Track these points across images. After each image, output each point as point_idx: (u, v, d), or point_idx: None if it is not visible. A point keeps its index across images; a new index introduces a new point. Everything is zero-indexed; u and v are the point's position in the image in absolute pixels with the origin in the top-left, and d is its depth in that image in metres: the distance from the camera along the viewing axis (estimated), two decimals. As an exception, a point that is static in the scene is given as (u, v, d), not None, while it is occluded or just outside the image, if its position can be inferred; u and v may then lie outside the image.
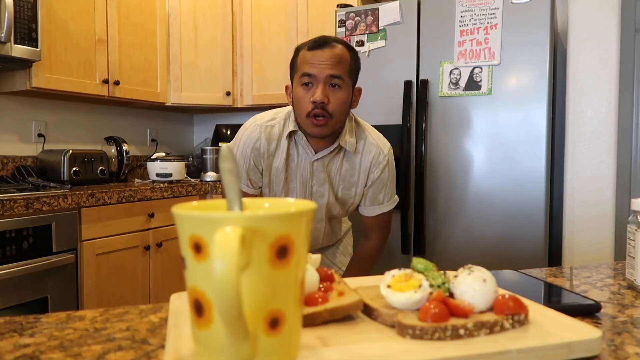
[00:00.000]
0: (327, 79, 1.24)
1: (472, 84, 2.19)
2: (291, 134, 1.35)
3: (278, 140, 1.35)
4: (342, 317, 0.52)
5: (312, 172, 1.38)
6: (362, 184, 1.41)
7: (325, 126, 1.26)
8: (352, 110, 1.39)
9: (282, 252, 0.38)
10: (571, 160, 2.27)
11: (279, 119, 1.37)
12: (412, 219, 2.31)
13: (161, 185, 2.52)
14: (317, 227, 1.48)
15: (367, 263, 1.50)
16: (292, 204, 0.46)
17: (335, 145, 1.34)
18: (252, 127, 1.37)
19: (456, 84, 2.22)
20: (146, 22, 2.80)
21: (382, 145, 1.40)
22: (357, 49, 2.40)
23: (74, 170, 2.40)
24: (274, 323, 0.39)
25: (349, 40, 2.35)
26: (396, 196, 1.49)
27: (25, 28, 2.07)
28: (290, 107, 1.37)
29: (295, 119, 1.33)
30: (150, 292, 2.37)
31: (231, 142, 1.42)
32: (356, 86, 1.34)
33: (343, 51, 1.28)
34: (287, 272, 0.39)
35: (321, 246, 1.59)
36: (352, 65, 1.29)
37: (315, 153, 1.35)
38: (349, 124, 1.36)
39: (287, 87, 1.37)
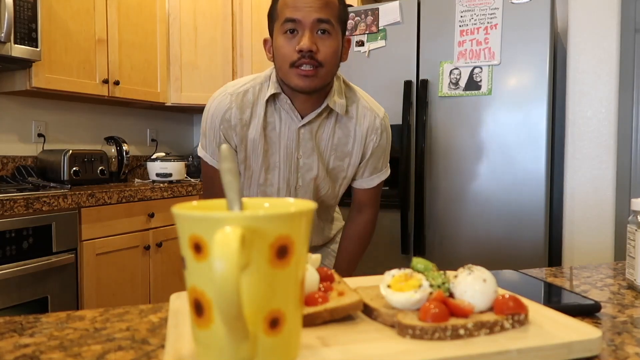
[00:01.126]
0: (315, 23, 1.05)
1: (472, 84, 2.19)
2: (271, 98, 1.15)
3: (253, 107, 1.17)
4: (342, 317, 0.52)
5: (298, 141, 1.19)
6: (357, 154, 1.24)
7: (314, 77, 1.07)
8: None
9: (282, 252, 0.38)
10: (571, 160, 2.27)
11: (254, 82, 1.18)
12: (412, 219, 2.31)
13: (161, 185, 2.52)
14: None
15: (367, 240, 1.36)
16: (292, 204, 0.46)
17: (323, 106, 1.15)
18: (221, 96, 1.18)
19: (456, 84, 2.22)
20: (146, 22, 2.80)
21: (376, 110, 1.24)
22: (357, 49, 2.40)
23: (74, 170, 2.40)
24: (274, 323, 0.39)
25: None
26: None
27: (25, 28, 2.07)
28: (268, 71, 1.19)
29: (277, 79, 1.14)
30: (150, 292, 2.37)
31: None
32: (345, 36, 1.16)
33: None
34: (287, 272, 0.39)
35: (310, 245, 1.38)
36: (340, 9, 1.11)
37: (302, 118, 1.16)
38: (337, 84, 1.19)
39: (265, 41, 1.17)
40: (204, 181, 1.31)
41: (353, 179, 1.30)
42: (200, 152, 1.25)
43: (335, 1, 1.10)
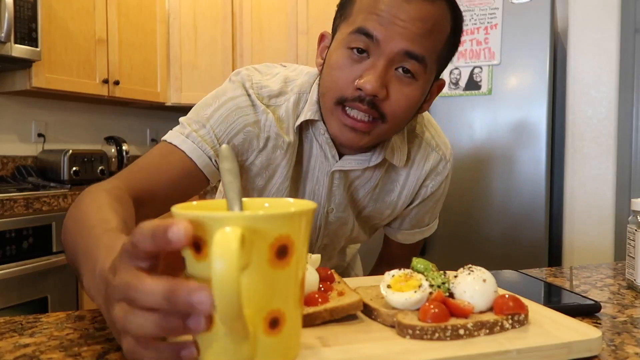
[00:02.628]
0: (397, 55, 0.70)
1: (472, 84, 2.19)
2: (308, 122, 0.80)
3: (285, 132, 0.80)
4: (342, 317, 0.52)
5: (330, 188, 0.85)
6: (403, 205, 0.92)
7: (365, 134, 0.73)
8: None
9: (281, 252, 0.38)
10: (571, 160, 2.27)
11: (289, 92, 0.82)
12: (412, 219, 2.31)
13: (161, 185, 2.52)
14: (327, 258, 0.99)
15: None
16: (292, 204, 0.46)
17: (377, 159, 0.81)
18: (253, 97, 0.80)
19: (456, 83, 2.22)
20: (146, 22, 2.80)
21: (443, 147, 0.91)
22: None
23: (74, 170, 2.40)
24: (274, 323, 0.39)
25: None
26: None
27: (25, 28, 2.07)
28: (313, 75, 0.83)
29: (317, 98, 0.79)
30: (150, 292, 2.37)
31: (202, 101, 0.83)
32: (440, 77, 0.81)
33: (444, 12, 0.73)
34: (287, 272, 0.39)
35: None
36: (447, 39, 0.75)
37: (339, 158, 0.82)
38: None
39: (322, 37, 0.81)
40: (135, 165, 0.78)
41: (388, 224, 0.99)
42: (177, 137, 0.78)
43: (446, 26, 0.74)
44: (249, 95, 0.80)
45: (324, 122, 0.78)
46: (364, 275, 1.22)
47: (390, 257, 1.04)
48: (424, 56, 0.71)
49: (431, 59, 0.73)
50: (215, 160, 0.79)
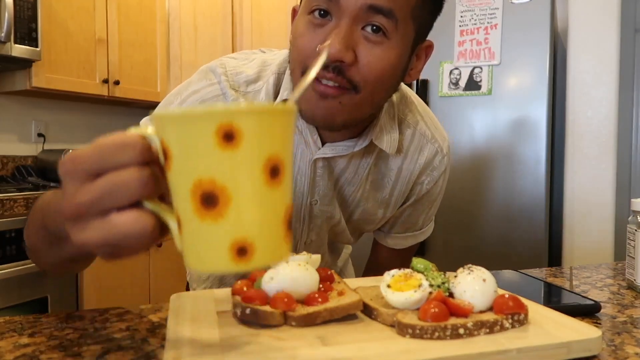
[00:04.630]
0: (361, 11, 0.61)
1: (472, 84, 2.19)
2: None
3: None
4: (341, 316, 0.52)
5: (313, 178, 0.77)
6: (396, 203, 0.84)
7: (336, 101, 0.64)
8: None
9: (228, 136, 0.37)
10: (571, 160, 2.27)
11: (267, 74, 0.75)
12: (412, 219, 2.31)
13: (161, 185, 2.52)
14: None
15: None
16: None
17: (363, 143, 0.74)
18: (222, 85, 0.74)
19: (456, 84, 2.22)
20: (146, 22, 2.80)
21: (440, 139, 0.83)
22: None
23: (74, 170, 2.40)
24: (209, 201, 0.38)
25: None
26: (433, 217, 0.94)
27: (25, 28, 2.07)
28: (286, 55, 0.76)
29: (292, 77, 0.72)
30: (150, 292, 2.37)
31: (174, 90, 0.80)
32: (427, 39, 0.72)
33: None
34: (238, 155, 0.37)
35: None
36: None
37: (322, 145, 0.75)
38: (388, 101, 0.76)
39: (294, 11, 0.72)
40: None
41: (378, 228, 0.90)
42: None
43: None
44: (218, 83, 0.74)
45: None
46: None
47: (379, 264, 0.95)
48: (391, 9, 0.61)
49: (403, 13, 0.63)
50: None
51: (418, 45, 0.70)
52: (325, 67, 0.60)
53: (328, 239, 0.89)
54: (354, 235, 0.90)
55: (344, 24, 0.61)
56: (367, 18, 0.62)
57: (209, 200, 0.37)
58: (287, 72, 0.73)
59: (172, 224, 0.40)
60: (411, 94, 0.84)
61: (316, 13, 0.63)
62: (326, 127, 0.70)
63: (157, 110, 0.38)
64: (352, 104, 0.64)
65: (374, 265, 0.97)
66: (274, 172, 0.38)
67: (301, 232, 0.84)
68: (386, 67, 0.64)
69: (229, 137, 0.36)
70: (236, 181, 0.37)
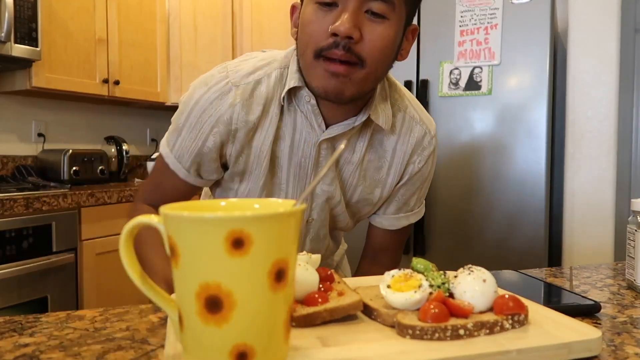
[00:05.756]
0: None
1: (472, 84, 2.19)
2: (291, 93, 0.82)
3: (265, 105, 0.82)
4: (342, 317, 0.52)
5: (317, 159, 0.85)
6: (392, 183, 0.91)
7: (346, 78, 0.73)
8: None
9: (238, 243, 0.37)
10: (571, 160, 2.27)
11: (268, 69, 0.83)
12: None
13: (161, 185, 2.53)
14: (318, 246, 0.97)
15: None
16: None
17: (362, 118, 0.82)
18: (219, 85, 0.82)
19: (456, 84, 2.22)
20: (146, 22, 2.80)
21: (427, 122, 0.91)
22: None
23: (74, 170, 2.40)
24: (213, 306, 0.39)
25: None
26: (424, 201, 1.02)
27: (25, 27, 2.07)
28: (289, 51, 0.85)
29: (298, 67, 0.80)
30: (150, 291, 2.37)
31: (181, 100, 0.88)
32: (412, 23, 0.82)
33: None
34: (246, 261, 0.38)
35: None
36: None
37: (326, 128, 0.83)
38: (380, 85, 0.85)
39: (293, 8, 0.82)
40: (148, 184, 0.95)
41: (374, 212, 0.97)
42: (164, 149, 0.88)
43: None
44: (217, 84, 0.82)
45: (308, 90, 0.79)
46: (352, 276, 1.18)
47: (373, 249, 1.02)
48: None
49: None
50: (194, 170, 0.87)
51: (407, 28, 0.80)
52: (336, 45, 0.71)
53: (329, 224, 0.95)
54: (352, 219, 0.97)
55: (350, 7, 0.71)
56: (369, 3, 0.72)
57: (214, 304, 0.38)
58: (291, 65, 0.81)
59: (174, 316, 0.42)
60: (399, 84, 0.93)
61: (322, 4, 0.72)
62: (337, 100, 0.77)
63: (167, 209, 0.40)
64: (359, 78, 0.74)
65: (370, 248, 1.03)
66: (279, 275, 0.39)
67: (307, 211, 0.90)
68: (387, 43, 0.74)
69: (238, 243, 0.37)
70: (242, 287, 0.38)
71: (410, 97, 0.93)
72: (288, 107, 0.83)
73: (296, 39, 0.79)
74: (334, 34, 0.70)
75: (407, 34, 0.80)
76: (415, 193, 0.95)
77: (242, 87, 0.81)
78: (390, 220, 0.96)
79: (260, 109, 0.82)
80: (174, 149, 0.86)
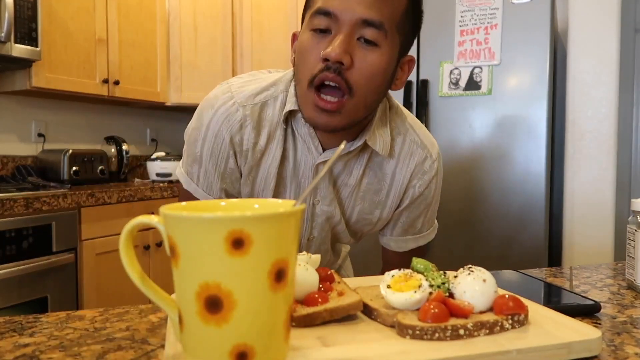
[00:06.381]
0: (357, 25, 0.72)
1: (472, 84, 2.19)
2: (290, 116, 0.83)
3: (273, 128, 0.83)
4: (341, 317, 0.52)
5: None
6: (392, 206, 0.92)
7: (335, 113, 0.74)
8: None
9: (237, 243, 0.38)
10: (571, 160, 2.27)
11: (274, 91, 0.84)
12: (412, 219, 2.31)
13: (161, 185, 2.53)
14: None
15: None
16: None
17: (358, 143, 0.83)
18: (226, 105, 0.83)
19: (456, 84, 2.22)
20: (146, 22, 2.80)
21: (429, 146, 0.91)
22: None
23: (74, 170, 2.40)
24: (213, 306, 0.39)
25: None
26: (436, 221, 1.03)
27: (25, 27, 2.07)
28: (290, 74, 0.86)
29: (296, 90, 0.81)
30: (150, 291, 2.37)
31: (190, 127, 0.88)
32: (408, 54, 0.82)
33: None
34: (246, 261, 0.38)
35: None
36: (406, 11, 0.76)
37: (323, 151, 0.84)
38: (381, 109, 0.85)
39: (293, 36, 0.83)
40: None
41: (381, 230, 0.99)
42: (189, 186, 0.88)
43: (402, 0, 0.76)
44: (224, 104, 0.83)
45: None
46: (354, 277, 1.15)
47: (386, 266, 1.03)
48: (382, 22, 0.72)
49: (390, 25, 0.74)
50: (225, 196, 0.88)
51: (402, 58, 0.81)
52: (327, 68, 0.72)
53: (330, 240, 0.96)
54: (354, 237, 0.97)
55: (342, 34, 0.72)
56: (361, 30, 0.72)
57: (214, 304, 0.38)
58: (291, 88, 0.83)
59: (174, 316, 0.42)
60: (402, 107, 0.93)
61: (318, 30, 0.74)
62: (327, 131, 0.78)
63: (166, 209, 0.41)
64: (349, 109, 0.74)
65: (385, 267, 1.04)
66: (279, 275, 0.39)
67: (304, 230, 0.92)
68: (377, 70, 0.75)
69: (238, 243, 0.37)
70: (242, 287, 0.38)
71: (413, 120, 0.93)
72: (289, 130, 0.84)
73: (294, 65, 0.80)
74: (325, 59, 0.71)
75: (402, 64, 0.81)
76: (421, 216, 0.95)
77: (250, 107, 0.82)
78: (398, 242, 0.97)
79: (267, 132, 0.83)
80: (200, 181, 0.86)
